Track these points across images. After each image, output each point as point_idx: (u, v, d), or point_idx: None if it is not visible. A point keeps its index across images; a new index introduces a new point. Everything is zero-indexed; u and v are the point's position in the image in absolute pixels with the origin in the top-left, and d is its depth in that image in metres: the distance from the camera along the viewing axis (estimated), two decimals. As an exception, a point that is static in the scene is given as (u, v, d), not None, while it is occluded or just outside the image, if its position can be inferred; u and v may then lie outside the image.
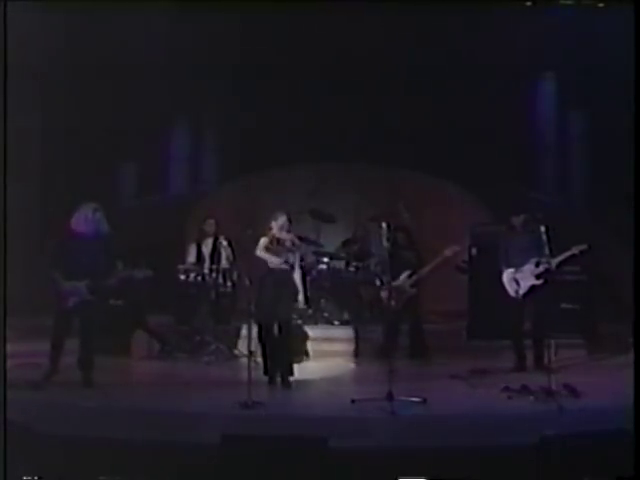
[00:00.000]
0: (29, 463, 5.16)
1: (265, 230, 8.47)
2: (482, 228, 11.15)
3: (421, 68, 12.39)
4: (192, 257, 10.31)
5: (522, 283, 8.82)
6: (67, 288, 8.06)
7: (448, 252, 9.54)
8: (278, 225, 8.41)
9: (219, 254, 10.02)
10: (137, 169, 13.25)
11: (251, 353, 7.92)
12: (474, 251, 10.85)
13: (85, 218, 8.17)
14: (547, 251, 8.23)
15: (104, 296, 8.57)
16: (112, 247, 8.28)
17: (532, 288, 8.78)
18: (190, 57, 12.42)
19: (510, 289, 8.86)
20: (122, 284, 8.64)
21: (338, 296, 11.16)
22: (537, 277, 8.74)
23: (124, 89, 12.28)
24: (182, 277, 10.02)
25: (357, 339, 10.20)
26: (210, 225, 10.34)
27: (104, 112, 12.23)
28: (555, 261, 8.52)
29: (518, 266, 8.83)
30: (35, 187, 12.30)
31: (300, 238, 8.77)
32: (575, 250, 8.65)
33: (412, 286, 9.59)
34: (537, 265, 8.69)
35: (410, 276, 9.58)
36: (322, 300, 11.19)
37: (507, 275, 8.89)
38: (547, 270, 8.60)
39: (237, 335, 9.80)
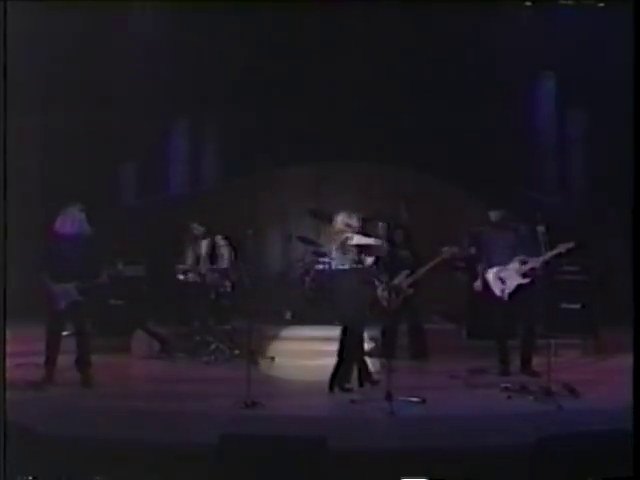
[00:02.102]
0: (28, 463, 5.16)
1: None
2: (481, 228, 11.13)
3: (421, 68, 12.39)
4: (191, 258, 10.30)
5: (508, 282, 8.76)
6: (57, 290, 8.08)
7: (445, 254, 9.53)
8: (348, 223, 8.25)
9: (218, 254, 10.01)
10: (137, 169, 13.25)
11: (251, 353, 7.94)
12: (474, 251, 10.83)
13: (67, 220, 8.18)
14: (531, 248, 8.22)
15: (95, 296, 8.57)
16: (98, 246, 8.29)
17: (519, 287, 8.72)
18: (190, 57, 12.42)
19: (496, 288, 8.81)
20: (113, 283, 8.65)
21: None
22: (523, 276, 8.69)
23: (124, 89, 12.28)
24: (181, 277, 10.02)
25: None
26: (196, 229, 10.29)
27: (104, 112, 12.23)
28: (541, 259, 8.47)
29: (502, 264, 8.79)
30: (34, 187, 12.29)
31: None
32: (562, 248, 8.46)
33: (409, 286, 9.58)
34: (523, 263, 8.64)
35: (408, 276, 9.58)
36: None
37: (492, 274, 8.84)
38: (533, 268, 8.57)
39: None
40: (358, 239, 8.13)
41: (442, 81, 12.42)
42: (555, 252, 8.45)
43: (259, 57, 12.33)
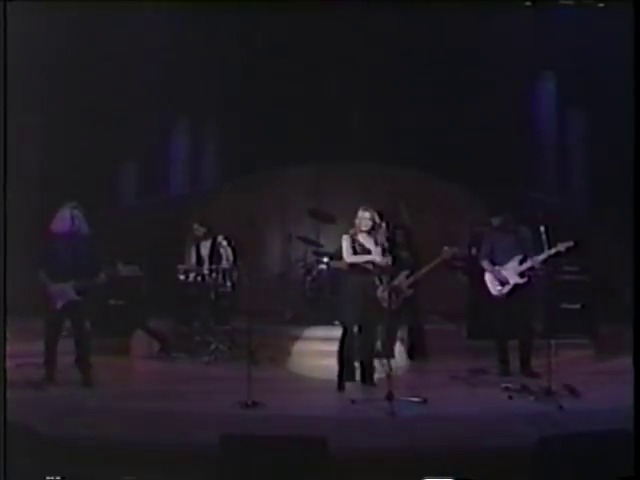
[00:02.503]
0: (29, 463, 5.16)
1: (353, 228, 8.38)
2: (482, 228, 11.13)
3: (421, 68, 12.39)
4: (192, 258, 10.29)
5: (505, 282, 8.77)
6: (54, 290, 8.08)
7: (445, 254, 9.51)
8: (362, 223, 8.31)
9: (218, 254, 10.00)
10: (137, 169, 13.25)
11: (252, 353, 7.94)
12: (474, 251, 10.82)
13: (63, 218, 8.19)
14: (531, 249, 8.22)
15: (94, 296, 8.57)
16: (95, 246, 8.30)
17: (516, 287, 8.71)
18: (191, 57, 12.43)
19: (492, 287, 8.82)
20: (112, 282, 8.65)
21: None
22: (521, 275, 8.69)
23: (124, 89, 12.28)
24: (182, 277, 10.01)
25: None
26: (197, 230, 10.27)
27: (104, 112, 12.24)
28: (539, 259, 8.46)
29: (501, 265, 8.80)
30: (34, 187, 12.30)
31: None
32: (561, 247, 8.42)
33: (410, 287, 9.56)
34: (521, 263, 8.65)
35: (408, 276, 9.56)
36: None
37: (489, 274, 8.86)
38: (531, 268, 8.57)
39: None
40: (347, 251, 8.19)
41: (442, 81, 12.41)
42: (554, 251, 8.41)
43: (259, 57, 12.33)
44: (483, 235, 9.28)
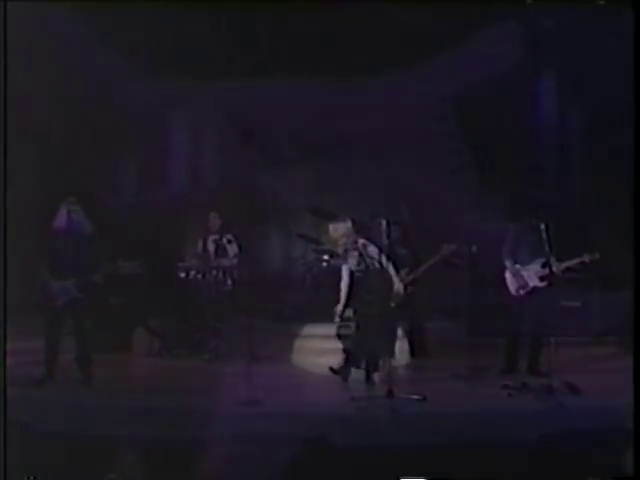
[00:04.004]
0: (29, 461, 5.17)
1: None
2: (483, 226, 11.13)
3: (421, 66, 12.39)
4: (199, 251, 10.28)
5: (526, 283, 8.76)
6: (55, 287, 8.08)
7: (444, 251, 9.49)
8: (336, 231, 8.55)
9: (225, 250, 10.00)
10: (137, 167, 13.25)
11: (252, 350, 7.95)
12: (475, 249, 10.81)
13: (62, 215, 8.20)
14: (553, 253, 8.19)
15: (95, 293, 8.58)
16: (95, 243, 8.30)
17: (534, 289, 8.70)
18: (190, 55, 12.43)
19: (512, 287, 8.82)
20: (113, 280, 8.66)
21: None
22: (541, 279, 8.68)
23: (124, 88, 12.29)
24: (182, 275, 10.01)
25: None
26: (214, 218, 10.26)
27: (104, 111, 12.25)
28: (563, 266, 8.47)
29: (523, 264, 8.79)
30: (34, 186, 12.30)
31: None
32: (586, 258, 8.58)
33: (409, 284, 9.54)
34: (543, 266, 8.62)
35: (408, 274, 9.54)
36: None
37: (511, 272, 8.87)
38: (552, 273, 8.55)
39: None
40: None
41: (443, 80, 12.40)
42: (578, 261, 8.56)
43: (260, 55, 12.33)
44: (507, 231, 9.13)
